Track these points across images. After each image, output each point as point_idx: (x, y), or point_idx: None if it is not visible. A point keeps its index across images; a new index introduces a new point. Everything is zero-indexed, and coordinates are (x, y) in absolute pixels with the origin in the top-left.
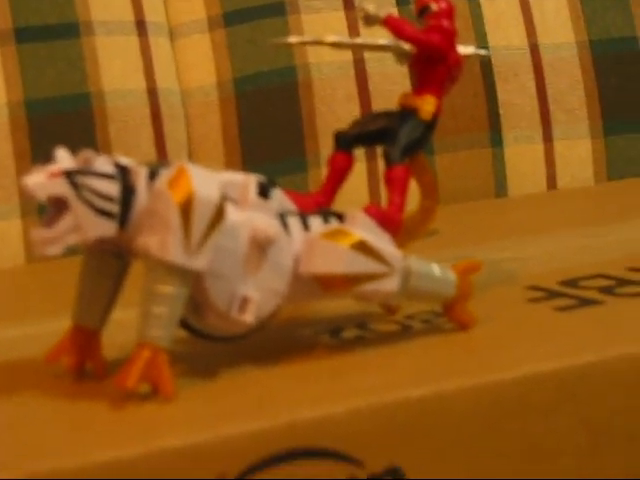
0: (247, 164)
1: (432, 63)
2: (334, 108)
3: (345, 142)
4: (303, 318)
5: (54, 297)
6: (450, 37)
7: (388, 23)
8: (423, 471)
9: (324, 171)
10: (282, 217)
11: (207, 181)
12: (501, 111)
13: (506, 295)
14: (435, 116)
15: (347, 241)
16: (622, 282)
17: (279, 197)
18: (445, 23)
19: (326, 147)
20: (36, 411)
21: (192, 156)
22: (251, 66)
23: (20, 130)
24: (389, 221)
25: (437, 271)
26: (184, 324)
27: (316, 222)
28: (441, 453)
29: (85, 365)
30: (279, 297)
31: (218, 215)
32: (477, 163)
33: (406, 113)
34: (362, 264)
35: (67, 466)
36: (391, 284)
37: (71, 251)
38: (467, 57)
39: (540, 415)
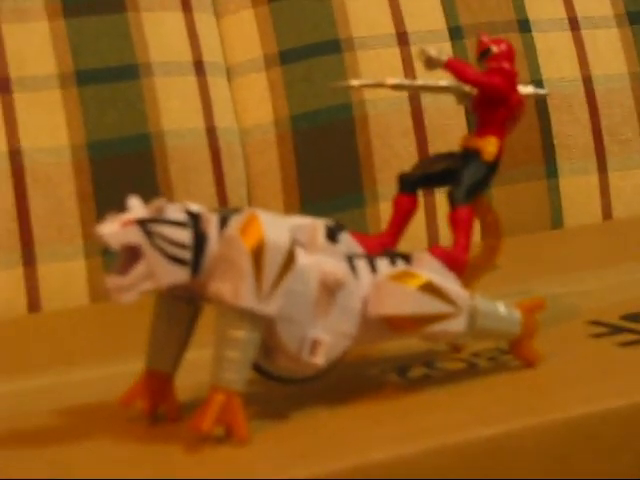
0: (305, 200)
1: (494, 105)
2: (390, 143)
3: (409, 184)
4: (370, 357)
5: (121, 338)
6: (511, 79)
7: (450, 66)
8: None
9: (382, 206)
10: (350, 260)
11: (277, 226)
12: (555, 142)
13: (569, 331)
14: (498, 157)
15: (415, 282)
16: None
17: (346, 240)
18: (506, 65)
19: (383, 182)
20: (112, 455)
21: (251, 193)
22: (307, 103)
23: (82, 172)
24: (455, 261)
25: (502, 310)
26: (256, 367)
27: (383, 264)
28: None
29: (159, 408)
30: (348, 339)
31: (289, 260)
32: (533, 195)
33: (469, 154)
34: (430, 305)
35: None
36: (458, 324)
37: None
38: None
39: (608, 452)
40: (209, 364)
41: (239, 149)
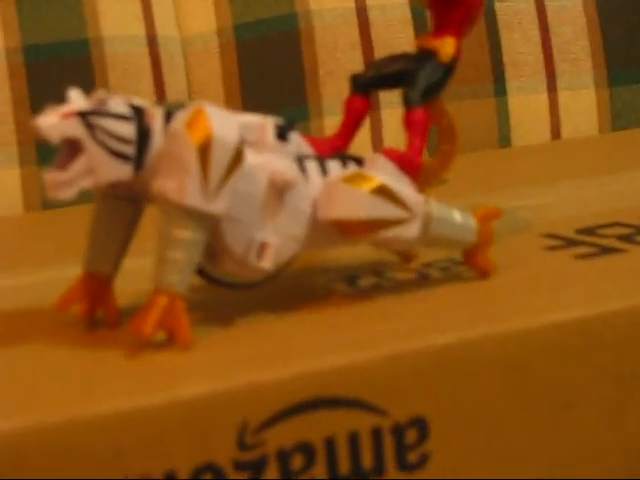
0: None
1: (451, 4)
2: (336, 56)
3: (362, 85)
4: (317, 266)
5: (56, 245)
6: None
7: None
8: (447, 419)
9: (327, 120)
10: (300, 161)
11: (226, 122)
12: (505, 60)
13: (523, 243)
14: (455, 58)
15: (367, 185)
16: None
17: (297, 140)
18: None
19: (328, 96)
20: (49, 360)
21: None
22: (252, 13)
23: (18, 76)
24: (409, 164)
25: (458, 217)
26: (200, 272)
27: (335, 166)
28: (465, 401)
29: (97, 312)
30: (297, 243)
31: (237, 158)
32: (481, 113)
33: (425, 55)
34: (383, 209)
35: (83, 415)
36: (412, 230)
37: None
38: None
39: (566, 363)
40: (150, 270)
41: (181, 58)
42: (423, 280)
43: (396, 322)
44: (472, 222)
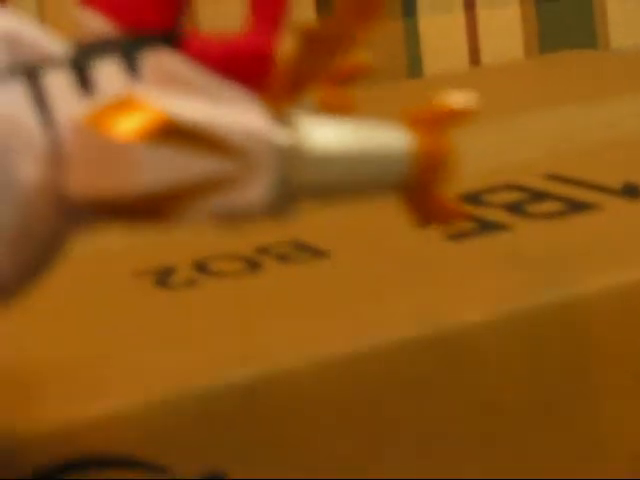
0: None
1: None
2: None
3: None
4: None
5: None
6: None
7: None
8: (256, 468)
9: None
10: (28, 78)
11: None
12: None
13: None
14: None
15: (133, 125)
16: (537, 196)
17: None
18: None
19: None
20: None
21: None
22: None
23: None
24: (251, 60)
25: (366, 137)
26: None
27: (60, 87)
28: (278, 445)
29: None
30: (5, 241)
31: None
32: (386, 37)
33: None
34: (179, 166)
35: None
36: (254, 189)
37: None
38: None
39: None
40: None
41: None
42: (251, 273)
43: (192, 349)
44: (399, 140)
